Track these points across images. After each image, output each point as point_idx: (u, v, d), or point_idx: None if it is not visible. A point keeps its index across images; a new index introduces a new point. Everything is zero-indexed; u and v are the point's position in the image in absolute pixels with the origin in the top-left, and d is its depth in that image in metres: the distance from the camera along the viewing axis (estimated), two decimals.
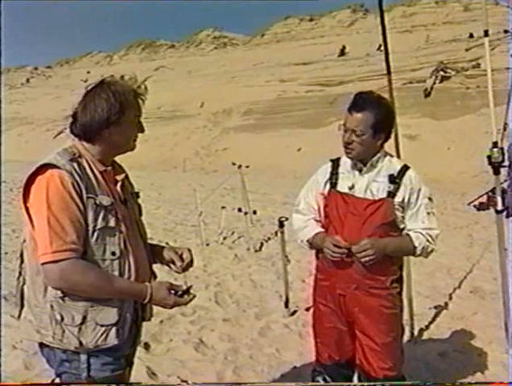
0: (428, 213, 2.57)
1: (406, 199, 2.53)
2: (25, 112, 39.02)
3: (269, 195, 12.81)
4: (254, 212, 8.28)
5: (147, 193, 13.12)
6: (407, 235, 2.57)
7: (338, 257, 2.50)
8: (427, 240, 2.55)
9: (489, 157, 3.06)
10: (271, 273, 6.08)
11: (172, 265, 2.19)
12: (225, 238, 7.95)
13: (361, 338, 2.64)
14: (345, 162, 2.64)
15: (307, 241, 2.71)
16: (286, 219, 4.85)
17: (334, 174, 2.65)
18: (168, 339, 4.17)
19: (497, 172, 3.11)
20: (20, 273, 2.00)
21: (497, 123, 3.24)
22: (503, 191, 3.14)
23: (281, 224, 4.80)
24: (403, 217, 2.57)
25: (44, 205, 1.80)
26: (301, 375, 3.52)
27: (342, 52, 37.29)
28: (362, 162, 2.57)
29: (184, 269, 2.17)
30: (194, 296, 2.07)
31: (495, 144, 3.08)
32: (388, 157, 2.62)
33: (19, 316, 2.02)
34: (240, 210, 7.74)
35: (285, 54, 40.63)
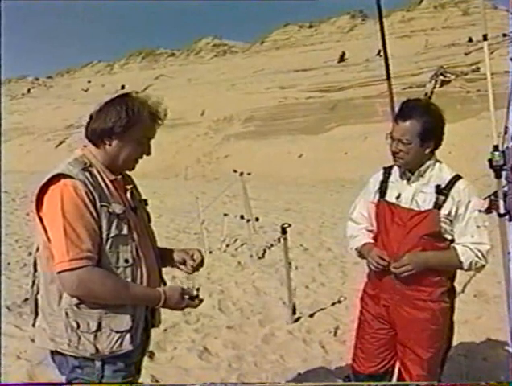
0: (478, 227, 2.48)
1: (453, 212, 2.47)
2: (26, 123, 39.13)
3: (271, 202, 12.82)
4: (257, 219, 8.28)
5: (149, 201, 13.09)
6: (454, 248, 2.50)
7: (380, 269, 2.51)
8: (476, 255, 2.46)
9: (490, 160, 3.05)
10: (274, 279, 6.08)
11: (182, 266, 2.22)
12: (227, 245, 7.95)
13: (402, 350, 2.62)
14: (396, 171, 2.63)
15: (356, 250, 2.72)
16: (289, 225, 4.85)
17: (384, 182, 2.64)
18: (172, 347, 4.17)
19: (498, 175, 3.11)
20: (34, 282, 2.01)
21: (498, 126, 3.22)
22: (505, 195, 3.12)
23: (283, 231, 4.80)
24: (452, 230, 2.50)
25: (59, 214, 1.83)
26: (305, 382, 3.52)
27: (342, 58, 37.30)
28: (411, 171, 2.54)
29: (195, 269, 2.21)
30: (202, 299, 2.12)
31: (496, 147, 3.08)
32: (438, 165, 2.55)
33: (34, 325, 2.04)
34: (242, 217, 7.74)
35: (285, 61, 40.68)
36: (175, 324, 4.53)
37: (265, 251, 7.58)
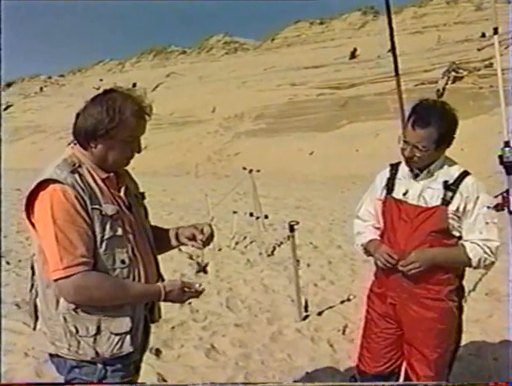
0: (487, 223, 2.44)
1: (461, 208, 2.42)
2: (39, 121, 39.49)
3: (281, 200, 12.79)
4: (266, 217, 8.25)
5: (160, 198, 13.14)
6: (462, 245, 2.46)
7: (388, 266, 2.48)
8: (485, 252, 2.42)
9: (500, 156, 3.00)
10: (283, 277, 6.05)
11: (192, 242, 2.15)
12: (237, 243, 7.93)
13: (408, 350, 2.60)
14: (404, 168, 2.59)
15: (362, 246, 2.69)
16: (297, 223, 4.82)
17: (391, 179, 2.61)
18: (179, 345, 4.15)
19: (509, 172, 3.05)
20: (32, 286, 2.00)
21: (510, 123, 3.17)
22: None
23: (291, 228, 4.77)
24: (460, 226, 2.46)
25: (50, 221, 1.79)
26: (313, 381, 3.49)
27: (353, 55, 37.17)
28: (419, 169, 2.50)
29: (205, 244, 2.14)
30: (204, 289, 2.05)
31: (507, 143, 3.02)
32: (447, 163, 2.52)
33: (35, 328, 2.02)
34: (252, 214, 7.72)
35: (296, 58, 40.59)
36: (182, 322, 4.51)
37: (274, 248, 7.55)
